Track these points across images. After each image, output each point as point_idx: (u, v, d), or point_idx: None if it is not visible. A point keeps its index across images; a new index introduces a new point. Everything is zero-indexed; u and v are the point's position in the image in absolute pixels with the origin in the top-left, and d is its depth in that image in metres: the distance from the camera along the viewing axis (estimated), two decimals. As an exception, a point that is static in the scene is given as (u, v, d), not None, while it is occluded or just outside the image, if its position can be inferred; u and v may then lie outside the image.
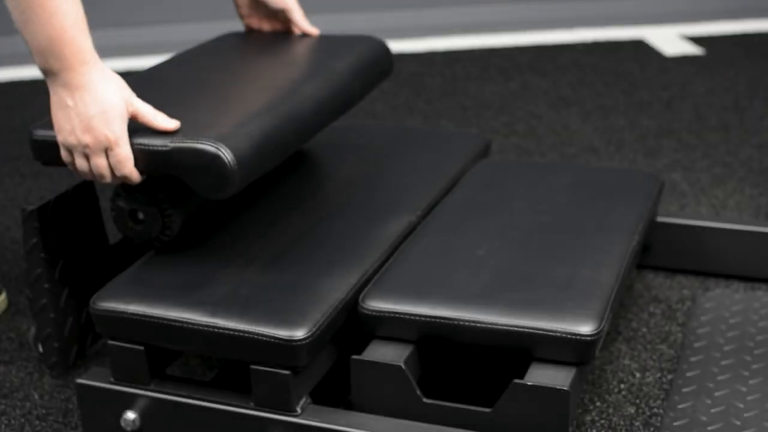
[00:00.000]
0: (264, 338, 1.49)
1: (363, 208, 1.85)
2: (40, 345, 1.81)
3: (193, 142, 1.52)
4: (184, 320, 1.53)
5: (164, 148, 1.52)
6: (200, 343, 1.54)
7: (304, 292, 1.58)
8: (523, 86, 3.27)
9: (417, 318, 1.56)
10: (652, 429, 1.67)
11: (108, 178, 1.53)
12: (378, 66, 1.97)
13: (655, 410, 1.72)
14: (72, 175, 2.67)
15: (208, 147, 1.51)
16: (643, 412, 1.71)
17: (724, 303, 1.98)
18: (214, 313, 1.53)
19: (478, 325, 1.54)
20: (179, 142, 1.52)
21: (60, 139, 1.51)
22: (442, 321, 1.55)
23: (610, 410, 1.72)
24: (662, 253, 2.11)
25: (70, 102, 1.48)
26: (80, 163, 1.52)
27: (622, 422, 1.69)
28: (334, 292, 1.59)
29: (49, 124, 1.61)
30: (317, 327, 1.51)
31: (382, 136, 2.17)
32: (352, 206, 1.86)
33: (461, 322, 1.54)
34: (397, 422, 1.53)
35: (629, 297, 2.05)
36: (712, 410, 1.67)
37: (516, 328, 1.52)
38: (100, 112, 1.47)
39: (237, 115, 1.61)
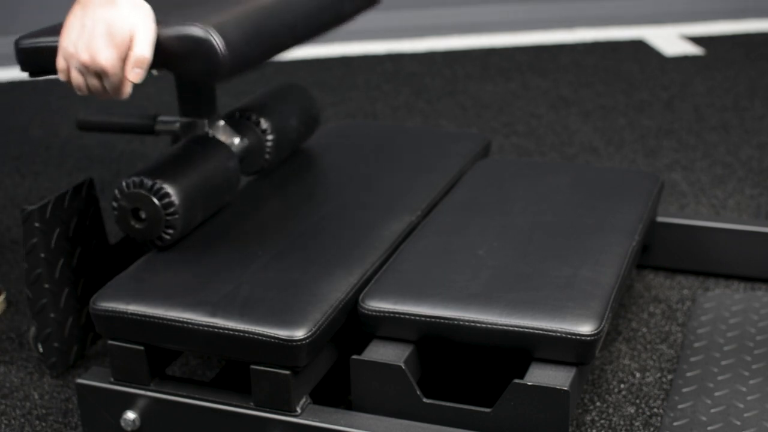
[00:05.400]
0: (264, 338, 1.49)
1: (363, 208, 1.86)
2: (40, 345, 1.82)
3: (183, 28, 1.52)
4: (184, 320, 1.53)
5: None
6: (200, 343, 1.54)
7: (304, 292, 1.58)
8: (523, 86, 3.27)
9: (417, 318, 1.56)
10: (652, 429, 1.67)
11: (102, 97, 1.55)
12: None
13: (655, 410, 1.72)
14: (72, 176, 2.67)
15: (197, 32, 1.52)
16: (643, 412, 1.71)
17: (724, 303, 1.98)
18: (214, 313, 1.53)
19: (478, 325, 1.54)
20: (169, 30, 1.53)
21: (62, 43, 1.52)
22: (442, 321, 1.55)
23: (610, 410, 1.72)
24: (662, 253, 2.11)
25: (85, 12, 1.49)
26: (75, 76, 1.53)
27: (622, 422, 1.69)
28: (334, 292, 1.59)
29: (36, 34, 1.62)
30: (317, 327, 1.51)
31: (382, 136, 2.17)
32: (352, 206, 1.86)
33: (461, 322, 1.54)
34: (397, 422, 1.53)
35: (629, 297, 2.05)
36: (712, 410, 1.67)
37: (516, 328, 1.52)
38: (106, 34, 1.48)
39: (228, 11, 1.62)
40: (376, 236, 1.76)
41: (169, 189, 1.67)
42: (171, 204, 1.67)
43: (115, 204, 1.70)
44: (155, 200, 1.67)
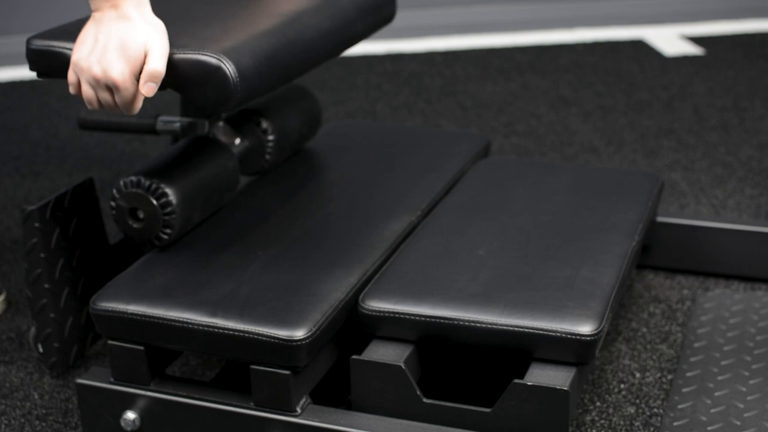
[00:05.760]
0: (264, 338, 1.49)
1: (363, 208, 1.86)
2: (40, 345, 1.81)
3: (196, 54, 1.52)
4: (184, 320, 1.53)
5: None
6: (200, 343, 1.54)
7: (304, 292, 1.58)
8: (523, 86, 3.27)
9: (417, 318, 1.56)
10: (652, 429, 1.67)
11: (112, 111, 1.54)
12: (381, 10, 1.97)
13: (655, 410, 1.72)
14: (72, 176, 2.67)
15: (210, 59, 1.52)
16: (643, 412, 1.71)
17: (724, 303, 1.98)
18: (214, 313, 1.53)
19: (478, 325, 1.54)
20: (181, 54, 1.53)
21: (74, 57, 1.51)
22: (442, 321, 1.55)
23: (610, 410, 1.72)
24: (662, 253, 2.11)
25: (99, 27, 1.49)
26: (86, 89, 1.52)
27: (622, 422, 1.69)
28: (334, 292, 1.59)
29: (48, 36, 1.63)
30: (317, 327, 1.51)
31: (382, 136, 2.17)
32: (352, 206, 1.86)
33: (461, 322, 1.54)
34: (397, 422, 1.53)
35: (629, 297, 2.05)
36: (712, 410, 1.67)
37: (516, 328, 1.52)
38: (119, 48, 1.47)
39: (241, 34, 1.62)
40: (376, 236, 1.76)
41: (166, 189, 1.67)
42: (169, 204, 1.67)
43: (113, 204, 1.70)
44: (153, 200, 1.67)
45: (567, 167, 2.04)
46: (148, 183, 1.67)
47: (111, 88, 1.49)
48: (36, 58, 1.63)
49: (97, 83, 1.50)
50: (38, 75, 1.65)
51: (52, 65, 1.62)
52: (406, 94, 3.22)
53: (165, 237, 1.69)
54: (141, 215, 1.69)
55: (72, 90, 1.54)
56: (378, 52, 3.64)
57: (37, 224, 1.73)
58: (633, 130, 2.89)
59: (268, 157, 1.96)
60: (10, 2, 3.64)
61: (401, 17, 3.59)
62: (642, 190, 1.94)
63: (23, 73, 3.45)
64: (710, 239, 2.07)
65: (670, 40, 3.74)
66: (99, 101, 1.53)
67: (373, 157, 2.07)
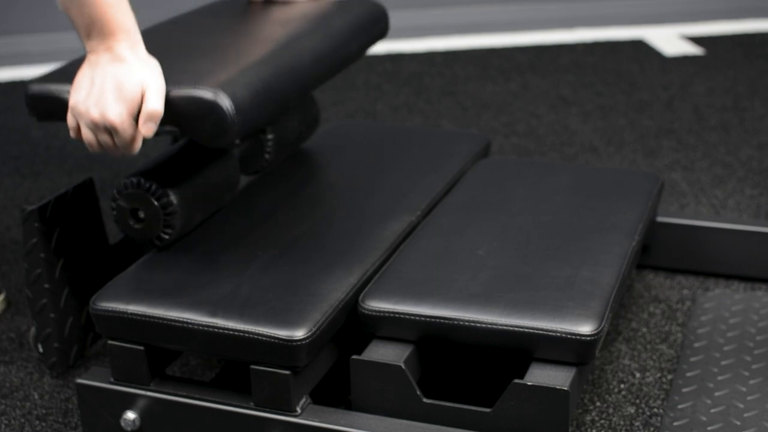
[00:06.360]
0: (264, 338, 1.49)
1: (363, 208, 1.86)
2: (40, 345, 1.82)
3: (191, 90, 1.52)
4: (184, 320, 1.53)
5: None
6: (200, 343, 1.54)
7: (304, 292, 1.58)
8: (523, 86, 3.27)
9: (417, 318, 1.56)
10: (652, 429, 1.67)
11: (113, 153, 1.54)
12: (375, 26, 1.98)
13: (655, 410, 1.72)
14: (72, 176, 2.67)
15: (206, 94, 1.52)
16: (643, 412, 1.71)
17: (724, 303, 1.98)
18: (214, 313, 1.53)
19: (478, 325, 1.54)
20: (177, 90, 1.53)
21: (72, 101, 1.52)
22: (442, 321, 1.55)
23: (610, 410, 1.72)
24: (662, 253, 2.11)
25: (94, 70, 1.49)
26: (86, 133, 1.52)
27: (622, 422, 1.69)
28: (334, 292, 1.59)
29: (46, 80, 1.63)
30: (317, 327, 1.51)
31: (382, 136, 2.17)
32: (352, 206, 1.86)
33: (461, 322, 1.54)
34: (397, 422, 1.53)
35: (629, 297, 2.05)
36: (712, 410, 1.67)
37: (516, 328, 1.52)
38: (116, 89, 1.47)
39: (236, 65, 1.62)
40: (376, 236, 1.76)
41: (167, 189, 1.67)
42: (169, 204, 1.67)
43: (113, 204, 1.70)
44: (153, 200, 1.67)
45: (567, 167, 2.04)
46: (148, 184, 1.67)
47: (110, 130, 1.49)
48: (35, 103, 1.63)
49: (96, 126, 1.50)
50: (38, 119, 1.65)
51: (51, 109, 1.62)
52: (406, 94, 3.22)
53: (166, 237, 1.69)
54: (142, 215, 1.69)
55: (72, 134, 1.54)
56: (378, 52, 3.65)
57: (37, 224, 1.73)
58: (633, 130, 2.89)
59: (267, 156, 1.96)
60: (10, 2, 3.64)
61: (401, 17, 3.59)
62: (642, 190, 1.94)
63: (23, 73, 3.45)
64: (710, 239, 2.07)
65: (670, 40, 3.74)
66: (99, 144, 1.53)
67: (373, 157, 2.07)
